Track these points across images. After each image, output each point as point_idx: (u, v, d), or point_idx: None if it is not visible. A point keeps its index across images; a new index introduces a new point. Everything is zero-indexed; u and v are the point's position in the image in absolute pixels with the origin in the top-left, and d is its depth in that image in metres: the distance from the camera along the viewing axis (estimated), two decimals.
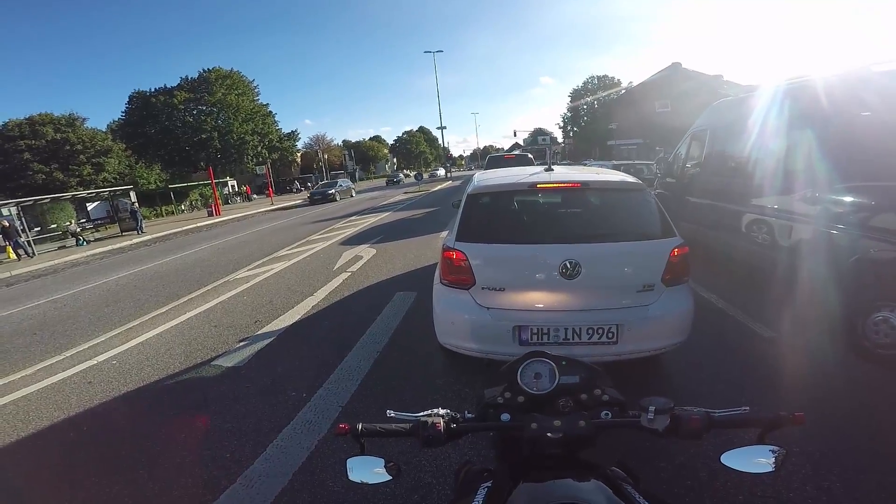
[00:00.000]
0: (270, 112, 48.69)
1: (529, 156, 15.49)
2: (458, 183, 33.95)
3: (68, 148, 32.82)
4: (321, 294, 6.12)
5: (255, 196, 44.29)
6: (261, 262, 9.15)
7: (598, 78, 60.11)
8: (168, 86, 43.63)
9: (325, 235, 12.12)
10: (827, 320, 3.57)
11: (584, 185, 3.05)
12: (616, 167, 15.25)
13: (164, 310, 6.24)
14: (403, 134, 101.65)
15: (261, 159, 45.47)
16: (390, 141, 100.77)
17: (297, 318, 5.24)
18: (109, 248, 16.48)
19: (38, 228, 20.05)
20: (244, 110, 44.81)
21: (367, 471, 0.94)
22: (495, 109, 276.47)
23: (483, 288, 2.88)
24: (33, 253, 16.81)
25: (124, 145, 38.38)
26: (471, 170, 62.97)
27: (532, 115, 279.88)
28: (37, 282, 11.01)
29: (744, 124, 5.11)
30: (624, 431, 0.97)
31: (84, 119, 35.91)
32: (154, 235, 18.86)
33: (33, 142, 31.77)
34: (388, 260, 7.98)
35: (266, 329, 4.95)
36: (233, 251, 11.42)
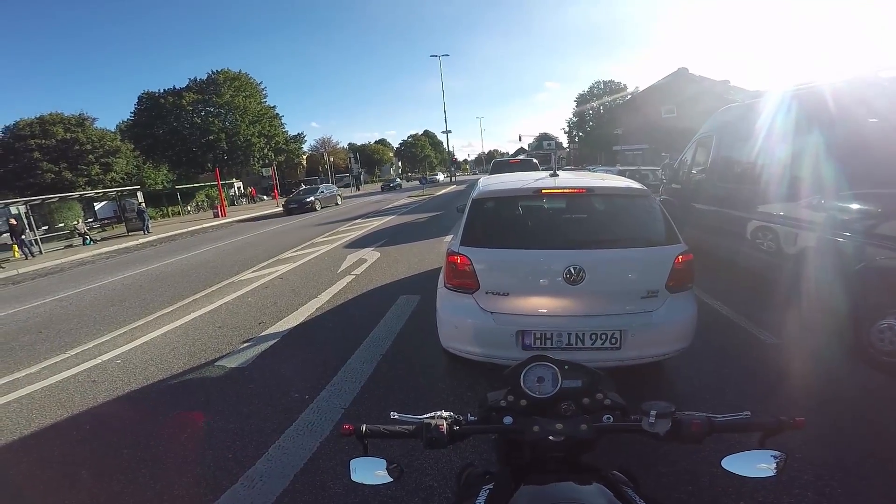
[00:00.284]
0: (277, 114, 49.14)
1: (535, 161, 15.51)
2: (462, 187, 33.99)
3: (77, 147, 33.15)
4: (325, 296, 6.14)
5: (263, 197, 44.39)
6: (266, 263, 9.19)
7: (605, 83, 60.23)
8: (177, 87, 44.16)
9: (330, 238, 12.16)
10: (832, 327, 3.54)
11: (589, 191, 3.06)
12: (621, 173, 15.22)
13: (169, 310, 6.28)
14: (409, 137, 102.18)
15: (267, 161, 45.83)
16: (395, 144, 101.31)
17: (301, 319, 5.26)
18: (116, 247, 16.62)
19: (46, 227, 20.27)
20: (252, 112, 45.21)
21: (370, 472, 0.95)
22: (500, 114, 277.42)
23: (487, 292, 2.88)
24: (40, 251, 16.97)
25: (132, 145, 38.69)
26: (475, 174, 62.96)
27: (537, 119, 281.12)
28: (43, 280, 11.11)
29: (750, 130, 5.09)
30: (625, 436, 0.98)
31: (94, 119, 36.32)
32: (160, 236, 19.00)
33: (43, 141, 32.13)
34: (392, 263, 7.99)
35: (270, 330, 4.96)
36: (238, 253, 11.48)
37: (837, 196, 3.62)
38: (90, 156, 33.68)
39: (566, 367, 1.06)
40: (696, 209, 6.33)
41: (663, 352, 2.80)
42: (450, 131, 46.36)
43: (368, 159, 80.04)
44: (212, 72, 45.02)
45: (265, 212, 27.12)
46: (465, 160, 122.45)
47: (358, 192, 44.83)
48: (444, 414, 1.02)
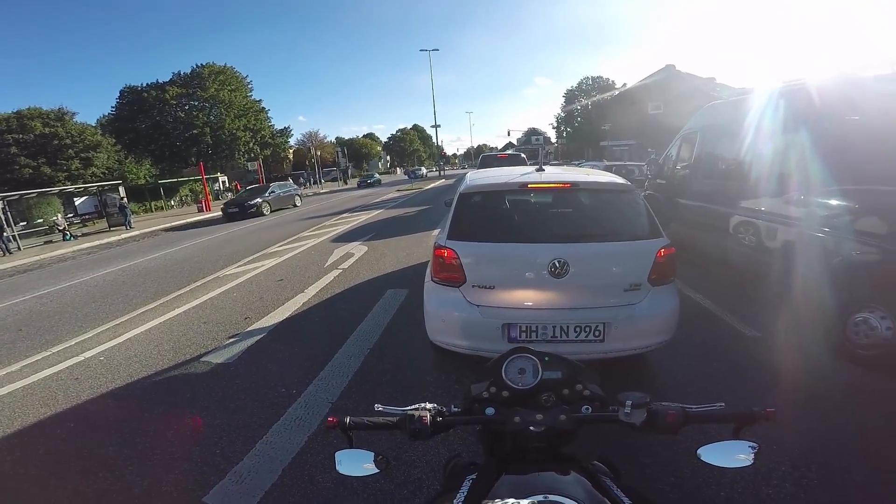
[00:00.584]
0: (263, 108, 48.35)
1: (522, 156, 15.54)
2: (451, 181, 33.96)
3: (57, 142, 32.29)
4: (312, 291, 6.11)
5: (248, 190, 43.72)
6: (251, 258, 9.10)
7: (593, 79, 60.48)
8: (160, 81, 43.17)
9: (317, 232, 12.08)
10: (811, 321, 3.63)
11: (574, 186, 3.09)
12: (608, 168, 15.34)
13: (152, 306, 6.19)
14: (397, 132, 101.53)
15: (252, 155, 45.19)
16: (384, 139, 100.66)
17: (287, 314, 5.23)
18: (97, 243, 16.28)
19: (24, 223, 19.73)
20: (237, 106, 44.46)
21: (356, 464, 0.96)
22: (490, 109, 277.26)
23: (473, 286, 2.91)
24: (18, 247, 16.56)
25: (114, 140, 37.82)
26: (464, 168, 62.95)
27: (526, 114, 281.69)
28: (22, 277, 10.86)
29: (734, 127, 5.18)
30: (607, 426, 1.00)
31: (74, 113, 35.38)
32: (142, 231, 18.65)
33: (21, 136, 31.23)
34: (379, 257, 7.98)
35: (256, 326, 4.93)
36: (223, 247, 11.34)
37: (818, 192, 3.71)
38: (70, 150, 32.84)
39: (546, 358, 1.09)
40: (680, 204, 6.43)
41: (646, 344, 2.85)
42: (439, 125, 46.27)
43: (356, 153, 79.39)
44: (196, 66, 44.12)
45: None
46: (455, 154, 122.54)
47: (345, 186, 44.49)
48: (428, 406, 1.03)
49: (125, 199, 22.04)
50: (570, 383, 1.06)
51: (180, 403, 3.42)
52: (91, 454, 2.87)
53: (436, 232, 6.97)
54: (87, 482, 2.58)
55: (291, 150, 62.29)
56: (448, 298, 2.99)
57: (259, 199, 20.05)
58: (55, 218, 20.06)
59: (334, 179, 53.52)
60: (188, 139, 42.22)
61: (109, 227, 21.73)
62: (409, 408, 1.02)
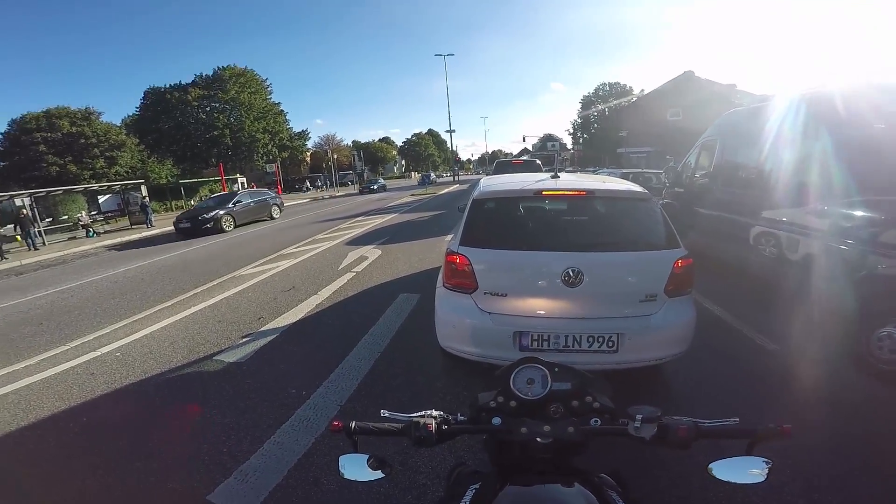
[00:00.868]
0: (282, 111, 49.23)
1: (538, 162, 15.48)
2: (465, 187, 33.99)
3: (83, 141, 33.28)
4: (325, 293, 6.15)
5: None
6: (267, 259, 9.21)
7: (610, 85, 60.20)
8: (183, 82, 44.28)
9: (331, 235, 12.18)
10: (833, 335, 3.52)
11: (590, 194, 3.05)
12: (625, 175, 15.20)
13: (169, 304, 6.30)
14: (413, 136, 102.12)
15: (271, 157, 45.93)
16: (399, 143, 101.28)
17: (300, 316, 5.26)
18: (118, 240, 16.66)
19: (50, 219, 20.34)
20: (256, 108, 45.37)
21: (360, 469, 0.95)
22: (505, 114, 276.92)
23: (485, 293, 2.88)
24: (43, 243, 17.03)
25: (137, 140, 38.84)
26: (478, 174, 62.96)
27: (542, 120, 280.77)
28: (46, 272, 11.15)
29: (755, 134, 5.07)
30: (618, 439, 0.98)
31: (100, 113, 36.44)
32: (163, 229, 19.03)
33: (49, 134, 32.27)
34: (392, 261, 8.00)
35: (269, 326, 4.97)
36: (240, 248, 11.50)
37: (841, 203, 3.60)
38: (95, 149, 33.81)
39: (556, 369, 1.07)
40: (699, 213, 6.31)
41: (660, 356, 2.79)
42: (453, 131, 46.55)
43: (372, 157, 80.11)
44: (218, 68, 45.22)
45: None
46: (469, 160, 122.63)
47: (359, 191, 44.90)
48: (434, 413, 1.02)
49: (147, 198, 22.54)
50: (580, 395, 1.04)
51: (192, 401, 3.45)
52: (101, 449, 2.91)
53: (448, 237, 6.98)
54: (96, 477, 2.62)
55: (309, 153, 63.10)
56: (459, 305, 2.96)
57: (218, 212, 15.67)
58: (79, 215, 20.61)
59: (349, 183, 53.90)
60: (209, 140, 43.17)
61: (131, 224, 22.22)
62: (414, 415, 1.02)
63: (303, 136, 53.59)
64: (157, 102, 43.14)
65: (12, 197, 17.98)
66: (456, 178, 50.38)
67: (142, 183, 24.39)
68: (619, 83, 59.85)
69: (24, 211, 16.48)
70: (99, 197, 23.88)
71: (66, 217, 21.50)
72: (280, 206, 20.01)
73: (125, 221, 23.22)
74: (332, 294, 6.09)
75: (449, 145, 58.02)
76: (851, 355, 3.33)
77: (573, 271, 2.68)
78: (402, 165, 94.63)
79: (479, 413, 1.06)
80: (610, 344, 2.68)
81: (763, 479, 0.85)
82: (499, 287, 2.86)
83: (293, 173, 58.14)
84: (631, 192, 3.12)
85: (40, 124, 32.60)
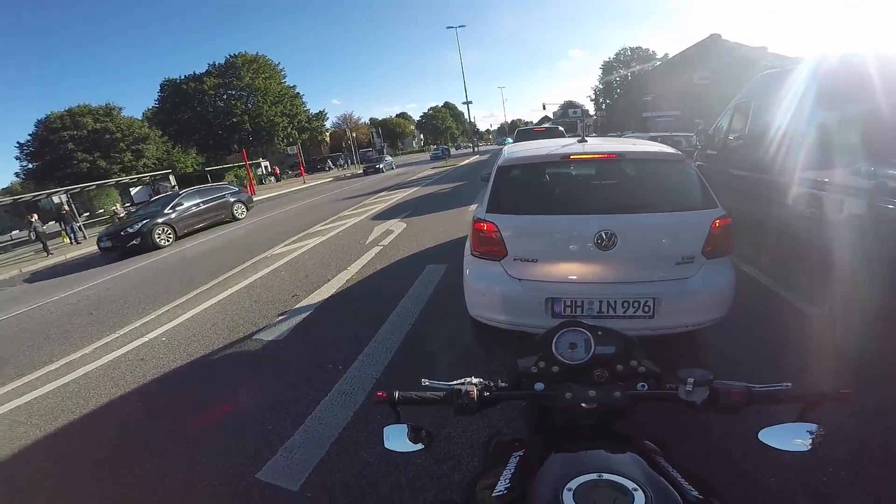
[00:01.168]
0: (298, 94, 49.22)
1: (560, 128, 15.04)
2: (486, 157, 33.46)
3: (108, 137, 34.31)
4: (355, 268, 6.24)
5: (284, 176, 44.67)
6: (296, 237, 9.38)
7: (632, 49, 57.56)
8: (197, 72, 44.66)
9: (357, 211, 12.28)
10: (877, 299, 3.34)
11: (620, 156, 2.94)
12: (653, 139, 14.62)
13: (207, 286, 6.52)
14: (429, 110, 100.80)
15: (291, 140, 46.25)
16: (416, 117, 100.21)
17: (332, 291, 5.37)
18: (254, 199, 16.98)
19: (87, 213, 21.24)
20: (272, 93, 45.49)
21: (402, 439, 0.96)
22: (522, 83, 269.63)
23: (515, 259, 2.83)
24: (84, 236, 17.81)
25: (160, 132, 39.69)
26: (498, 144, 61.82)
27: (561, 88, 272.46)
28: (89, 264, 11.67)
29: (790, 96, 4.82)
30: (656, 406, 0.95)
31: (120, 108, 37.39)
32: None
33: (75, 132, 33.37)
34: (418, 234, 8.03)
35: (303, 303, 5.09)
36: (268, 228, 11.74)
37: (886, 162, 3.38)
38: (121, 144, 34.85)
39: (599, 332, 1.05)
40: (734, 175, 6.05)
41: (699, 321, 2.70)
42: (470, 102, 45.51)
43: (390, 133, 79.67)
44: (230, 56, 45.34)
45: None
46: (488, 130, 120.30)
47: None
48: (475, 380, 1.01)
49: (176, 187, 23.22)
50: (625, 359, 1.02)
51: (236, 381, 3.60)
52: (155, 433, 3.06)
53: (472, 207, 6.90)
54: (154, 459, 2.75)
55: (328, 133, 63.19)
56: (488, 272, 2.93)
57: (148, 223, 11.86)
58: (115, 207, 21.41)
59: (342, 164, 53.63)
60: (229, 127, 43.72)
61: None
62: (455, 382, 1.01)
63: (320, 117, 53.63)
64: (175, 94, 43.73)
65: (50, 195, 18.78)
66: (476, 149, 49.56)
67: (169, 173, 25.14)
68: (640, 47, 57.21)
69: (65, 207, 17.22)
70: (131, 189, 24.76)
71: (101, 210, 22.38)
72: (246, 203, 15.70)
73: None
74: (361, 269, 6.18)
75: (466, 117, 56.97)
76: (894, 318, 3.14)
77: (606, 234, 2.61)
78: (421, 140, 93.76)
79: (519, 379, 1.05)
80: (646, 309, 2.62)
81: (808, 448, 0.83)
82: (529, 253, 2.81)
83: (314, 154, 58.47)
84: (664, 153, 2.98)
85: (65, 123, 33.69)
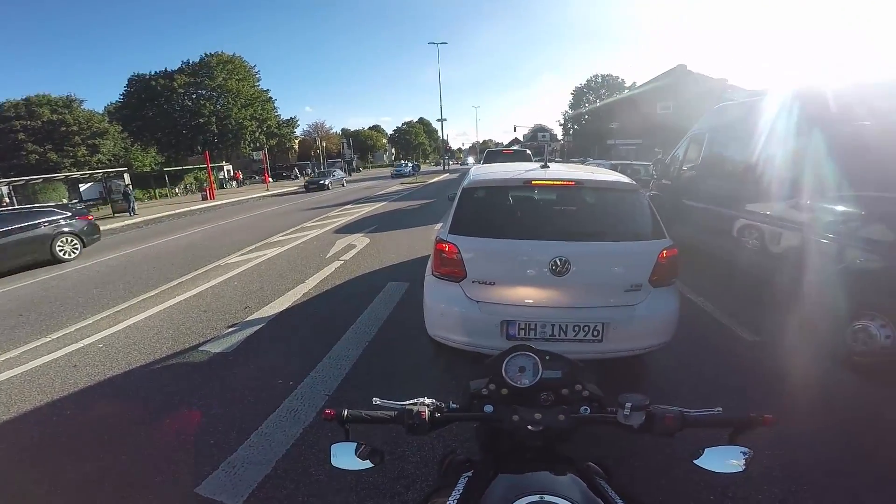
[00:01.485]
0: (270, 98, 48.46)
1: (528, 152, 15.49)
2: (454, 176, 33.85)
3: (64, 129, 32.50)
4: (313, 282, 6.11)
5: (255, 177, 43.37)
6: (253, 247, 9.11)
7: (603, 76, 60.23)
8: (168, 69, 43.29)
9: (320, 223, 12.08)
10: (811, 326, 3.61)
11: (578, 184, 3.06)
12: (614, 167, 15.26)
13: (153, 293, 6.21)
14: (403, 124, 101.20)
15: (258, 145, 45.27)
16: (390, 131, 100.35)
17: (287, 305, 5.23)
18: (102, 229, 16.31)
19: None
20: (244, 96, 44.63)
21: (350, 457, 0.96)
22: (497, 104, 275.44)
23: (474, 281, 2.88)
24: None
25: (121, 127, 37.98)
26: (467, 164, 62.67)
27: (534, 111, 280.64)
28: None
29: (743, 129, 5.14)
30: (602, 427, 0.99)
31: (82, 101, 35.56)
32: (146, 218, 18.71)
33: (29, 122, 31.48)
34: (381, 250, 7.97)
35: (255, 316, 4.93)
36: (225, 236, 11.35)
37: (824, 197, 3.67)
38: (77, 137, 33.06)
39: (547, 357, 1.08)
40: (685, 206, 6.37)
41: (644, 346, 2.83)
42: (445, 119, 46.43)
43: (362, 145, 79.33)
44: (205, 54, 44.29)
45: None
46: (460, 149, 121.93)
47: (348, 178, 44.38)
48: (427, 401, 1.03)
49: (130, 186, 22.15)
50: (570, 383, 1.05)
51: (177, 393, 3.42)
52: (85, 442, 2.87)
53: (438, 226, 6.97)
54: (79, 470, 2.59)
55: (297, 141, 62.29)
56: (448, 293, 2.97)
57: None
58: (62, 202, 20.19)
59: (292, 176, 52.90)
60: (194, 127, 42.44)
61: (113, 213, 21.80)
62: (407, 402, 1.02)
63: (291, 123, 52.89)
64: (143, 90, 42.18)
65: None
66: (446, 167, 50.04)
67: (125, 171, 23.99)
68: (611, 75, 59.91)
69: (6, 200, 16.10)
70: (81, 185, 23.41)
71: None
72: (83, 236, 10.16)
73: (107, 210, 22.80)
74: (320, 283, 6.06)
75: (440, 134, 57.63)
76: (828, 347, 3.42)
77: (560, 260, 2.69)
78: (393, 154, 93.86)
79: (471, 400, 1.07)
80: (595, 333, 2.71)
81: (742, 470, 0.87)
82: (487, 275, 2.87)
83: (281, 161, 57.36)
84: (619, 183, 3.13)
85: (20, 112, 31.78)
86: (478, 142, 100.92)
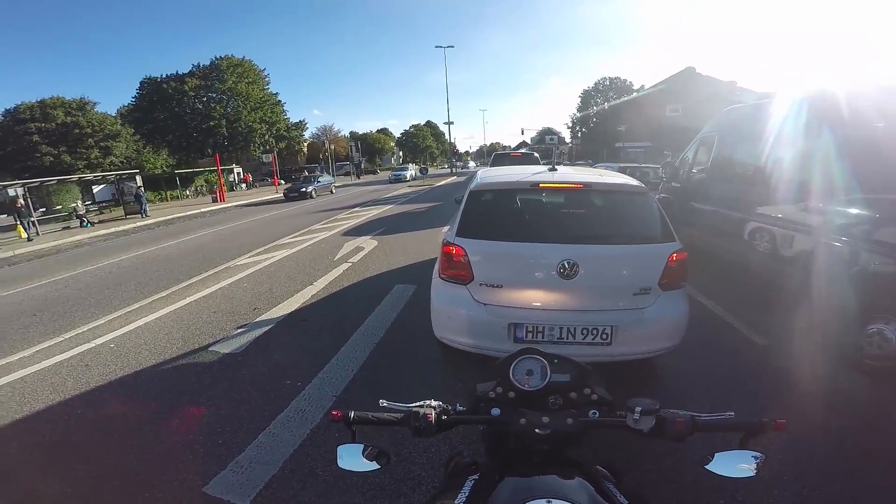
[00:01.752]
0: (279, 101, 48.91)
1: (536, 155, 15.48)
2: (462, 179, 33.88)
3: (77, 131, 33.01)
4: (321, 283, 6.14)
5: (266, 179, 43.63)
6: (263, 249, 9.18)
7: (610, 79, 60.07)
8: (180, 72, 43.86)
9: (329, 225, 12.15)
10: (825, 330, 3.56)
11: (587, 187, 3.05)
12: (622, 169, 15.20)
13: (164, 294, 6.28)
14: (410, 128, 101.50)
15: (268, 147, 45.67)
16: (397, 134, 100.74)
17: (295, 306, 5.26)
18: (113, 230, 16.59)
19: (44, 209, 20.23)
20: (254, 99, 45.06)
21: (357, 459, 0.96)
22: (504, 107, 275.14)
23: (481, 284, 2.88)
24: (37, 233, 16.91)
25: (133, 130, 38.50)
26: (476, 167, 62.67)
27: (541, 114, 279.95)
28: (40, 262, 11.09)
29: (753, 131, 5.09)
30: (611, 431, 0.99)
31: (95, 103, 36.07)
32: (158, 219, 18.96)
33: (43, 125, 31.99)
34: (389, 252, 7.99)
35: (264, 316, 4.97)
36: (235, 238, 11.46)
37: (836, 200, 3.62)
38: (90, 139, 33.55)
39: (555, 360, 1.07)
40: (695, 208, 6.32)
41: (653, 349, 2.81)
42: (452, 122, 46.10)
43: (369, 148, 79.61)
44: (215, 58, 44.78)
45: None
46: (467, 151, 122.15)
47: (357, 181, 44.56)
48: (433, 403, 1.02)
49: (142, 188, 22.41)
50: (579, 387, 1.05)
51: (186, 392, 3.46)
52: (96, 442, 2.91)
53: (445, 228, 6.97)
54: (90, 468, 2.61)
55: (306, 143, 62.75)
56: (455, 296, 2.97)
57: None
58: (74, 205, 20.48)
59: (347, 173, 53.66)
60: (205, 130, 42.91)
61: (125, 214, 22.09)
62: (413, 405, 1.02)
63: (300, 126, 53.34)
64: (154, 92, 42.75)
65: (5, 187, 17.83)
66: (454, 170, 50.06)
67: (137, 173, 24.25)
68: (619, 78, 59.70)
69: (20, 201, 16.36)
70: (94, 187, 23.75)
71: (59, 207, 21.37)
72: None
73: (120, 211, 23.10)
74: (328, 284, 6.09)
75: (447, 137, 57.71)
76: (842, 351, 3.37)
77: (568, 263, 2.68)
78: (400, 157, 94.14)
79: (477, 403, 1.06)
80: (604, 336, 2.70)
81: (754, 474, 0.86)
82: (494, 278, 2.87)
83: (290, 163, 57.79)
84: (628, 186, 3.12)
85: (34, 114, 32.32)
86: (485, 145, 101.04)
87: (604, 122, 52.72)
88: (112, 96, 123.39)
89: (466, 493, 0.90)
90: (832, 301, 3.47)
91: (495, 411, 1.03)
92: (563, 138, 69.58)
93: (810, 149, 4.03)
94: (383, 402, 1.02)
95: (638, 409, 0.93)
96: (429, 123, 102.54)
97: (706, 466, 0.89)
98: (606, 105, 55.48)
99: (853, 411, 2.79)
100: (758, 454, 0.87)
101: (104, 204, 24.13)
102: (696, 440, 0.94)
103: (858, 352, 3.24)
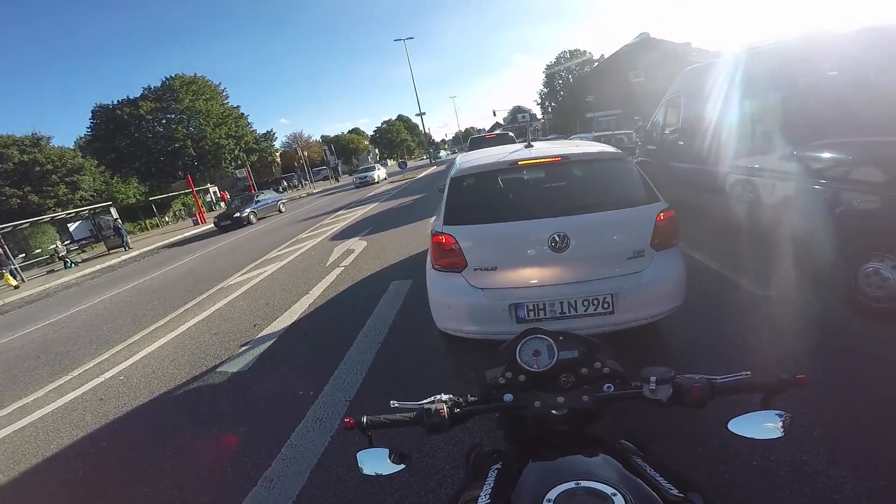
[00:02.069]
0: (242, 114, 47.75)
1: (510, 134, 15.49)
2: (442, 168, 33.72)
3: (38, 169, 31.87)
4: (317, 291, 6.14)
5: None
6: (253, 265, 9.11)
7: (570, 52, 60.12)
8: (131, 97, 42.49)
9: (314, 233, 12.05)
10: (821, 275, 3.55)
11: (565, 159, 3.06)
12: (597, 139, 15.31)
13: (162, 322, 6.23)
14: (382, 124, 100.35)
15: (239, 162, 44.84)
16: (370, 132, 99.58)
17: (295, 317, 5.26)
18: (98, 267, 16.27)
19: (23, 255, 19.72)
20: (215, 115, 43.91)
21: (378, 463, 0.95)
22: (473, 91, 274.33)
23: (475, 269, 2.88)
24: (22, 279, 16.54)
25: (96, 161, 37.38)
26: (454, 153, 62.19)
27: (510, 93, 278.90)
28: (31, 307, 10.91)
29: (717, 88, 5.20)
30: (628, 404, 0.97)
31: (49, 138, 34.80)
32: (142, 250, 18.62)
33: (0, 165, 30.86)
34: (380, 251, 7.99)
35: (266, 332, 4.96)
36: (223, 257, 11.34)
37: (808, 146, 3.69)
38: (53, 176, 32.45)
39: (560, 337, 1.06)
40: (674, 168, 6.42)
41: (657, 312, 2.80)
42: (424, 113, 45.61)
43: (344, 150, 78.61)
44: (166, 78, 43.44)
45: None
46: (444, 140, 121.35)
47: (337, 185, 44.07)
48: (444, 397, 1.00)
49: (119, 220, 21.94)
50: (589, 361, 1.03)
51: (204, 414, 3.47)
52: (126, 471, 2.93)
53: (433, 219, 7.01)
54: (128, 499, 2.65)
55: (278, 153, 61.74)
56: (451, 285, 2.97)
57: None
58: (54, 246, 19.99)
59: (325, 178, 53.02)
60: (171, 153, 41.79)
61: (108, 249, 21.65)
62: (425, 401, 1.00)
63: (269, 137, 52.26)
64: (109, 120, 41.25)
65: None
66: (433, 160, 49.72)
67: (110, 205, 23.67)
68: (578, 49, 59.79)
69: None
70: (69, 225, 23.15)
71: (39, 251, 20.86)
72: None
73: (101, 247, 22.63)
74: (324, 291, 6.08)
75: (421, 128, 57.10)
76: (843, 295, 3.31)
77: (559, 236, 2.70)
78: (377, 154, 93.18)
79: (489, 391, 1.04)
80: (605, 305, 2.71)
81: (782, 434, 0.83)
82: (488, 262, 2.87)
83: (266, 175, 56.96)
84: (605, 153, 3.14)
85: None
86: (460, 131, 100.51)
87: (572, 95, 52.68)
88: (65, 129, 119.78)
89: (492, 484, 0.89)
90: (823, 244, 3.43)
91: (508, 397, 1.01)
92: (535, 115, 69.47)
93: (775, 99, 4.12)
94: (394, 403, 1.00)
95: (653, 378, 0.91)
96: (400, 118, 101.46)
97: (731, 429, 0.86)
98: (570, 78, 55.53)
99: (867, 357, 2.69)
100: (783, 413, 0.85)
101: (84, 241, 23.53)
102: (717, 403, 0.91)
103: (861, 295, 3.15)
